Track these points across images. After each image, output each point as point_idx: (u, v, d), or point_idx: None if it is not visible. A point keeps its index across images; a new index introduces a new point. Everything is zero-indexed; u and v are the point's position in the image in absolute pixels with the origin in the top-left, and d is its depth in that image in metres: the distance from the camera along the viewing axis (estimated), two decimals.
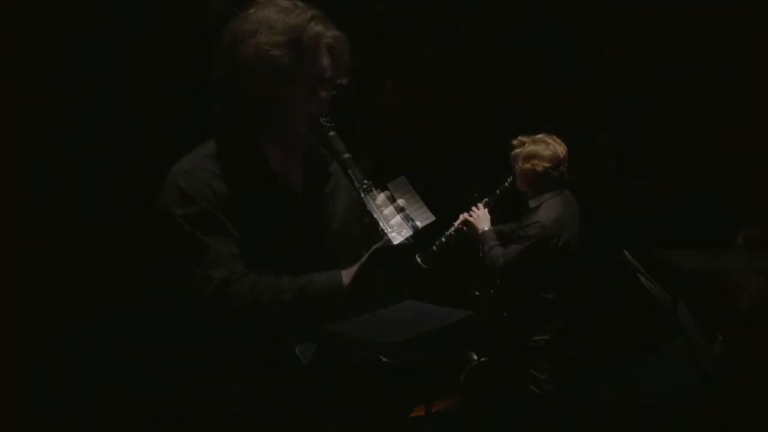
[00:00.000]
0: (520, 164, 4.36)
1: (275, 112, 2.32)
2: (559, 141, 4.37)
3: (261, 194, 2.32)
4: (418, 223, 2.26)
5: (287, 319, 2.25)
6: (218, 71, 2.33)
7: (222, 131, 2.37)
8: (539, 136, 4.38)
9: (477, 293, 4.55)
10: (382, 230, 2.24)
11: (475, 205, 4.50)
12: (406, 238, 2.22)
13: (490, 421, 4.49)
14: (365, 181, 2.30)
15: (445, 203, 4.05)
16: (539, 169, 4.32)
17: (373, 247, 2.22)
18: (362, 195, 2.29)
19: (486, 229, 4.43)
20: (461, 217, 4.49)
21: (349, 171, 2.33)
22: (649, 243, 3.41)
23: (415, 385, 2.39)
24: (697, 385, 2.58)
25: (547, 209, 4.31)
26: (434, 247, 4.42)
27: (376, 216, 2.26)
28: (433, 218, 2.37)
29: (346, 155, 2.35)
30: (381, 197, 2.29)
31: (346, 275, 2.27)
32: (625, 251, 2.85)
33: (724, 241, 3.73)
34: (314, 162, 2.43)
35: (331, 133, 2.37)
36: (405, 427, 2.40)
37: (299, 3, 2.36)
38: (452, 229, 4.47)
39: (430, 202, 2.38)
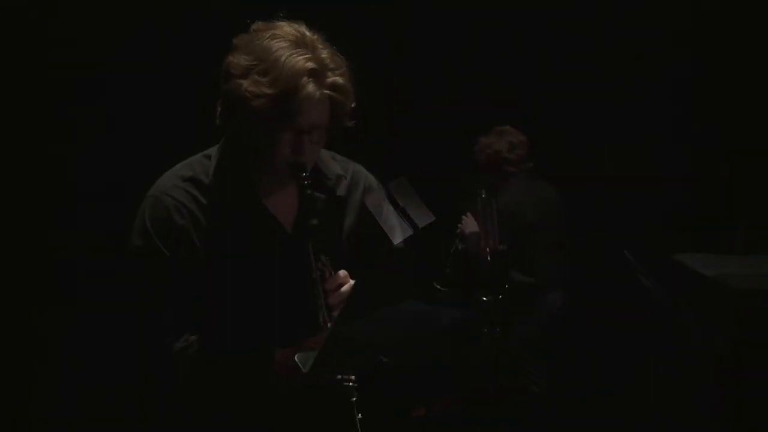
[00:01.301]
0: (480, 160, 4.51)
1: (256, 147, 2.18)
2: (512, 130, 4.59)
3: (241, 225, 2.20)
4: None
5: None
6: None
7: (219, 146, 2.26)
8: (494, 129, 4.61)
9: (484, 299, 4.59)
10: (323, 321, 2.12)
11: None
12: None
13: (490, 421, 4.49)
14: (322, 259, 2.15)
15: (450, 203, 4.07)
16: (494, 158, 4.54)
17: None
18: (313, 275, 2.14)
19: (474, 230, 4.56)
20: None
21: (309, 244, 2.15)
22: (653, 243, 3.43)
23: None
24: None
25: (505, 192, 4.45)
26: (447, 269, 4.54)
27: (320, 302, 2.13)
28: (433, 218, 2.34)
29: (315, 221, 2.17)
30: (338, 276, 2.15)
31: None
32: (625, 250, 2.85)
33: (724, 241, 3.74)
34: (311, 189, 2.21)
35: (308, 192, 2.18)
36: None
37: (308, 38, 2.14)
38: (454, 246, 4.59)
39: (434, 202, 2.35)
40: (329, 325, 2.10)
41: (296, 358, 2.04)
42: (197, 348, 2.14)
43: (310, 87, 2.09)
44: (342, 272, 2.17)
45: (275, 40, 2.12)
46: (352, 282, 2.16)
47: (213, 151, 2.27)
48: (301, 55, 2.10)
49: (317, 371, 2.03)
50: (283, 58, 2.09)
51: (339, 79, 2.15)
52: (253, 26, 2.19)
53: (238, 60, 2.12)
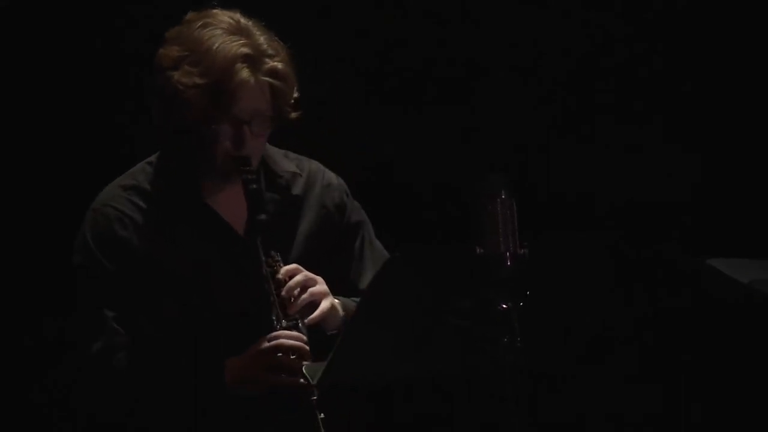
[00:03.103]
0: None
1: (197, 144, 2.13)
2: None
3: (188, 230, 2.15)
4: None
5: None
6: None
7: (160, 151, 2.21)
8: None
9: (504, 306, 4.50)
10: (276, 318, 2.07)
11: None
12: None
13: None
14: (272, 255, 2.10)
15: (468, 204, 3.96)
16: None
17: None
18: (264, 272, 2.09)
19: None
20: None
21: (258, 239, 2.10)
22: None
23: None
24: None
25: None
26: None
27: (272, 299, 2.08)
28: None
29: (262, 216, 2.11)
30: (285, 270, 2.10)
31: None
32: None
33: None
34: (257, 183, 2.16)
35: (253, 187, 2.12)
36: None
37: (243, 25, 2.12)
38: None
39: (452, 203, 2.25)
40: (283, 322, 2.06)
41: (303, 370, 1.98)
42: (139, 361, 2.10)
43: (244, 73, 2.06)
44: (292, 265, 2.13)
45: (207, 29, 2.09)
46: (304, 272, 2.11)
47: (154, 157, 2.23)
48: (234, 41, 2.07)
49: (326, 384, 1.96)
50: (215, 46, 2.06)
51: (278, 65, 2.10)
52: (186, 17, 2.15)
53: (169, 52, 2.09)
